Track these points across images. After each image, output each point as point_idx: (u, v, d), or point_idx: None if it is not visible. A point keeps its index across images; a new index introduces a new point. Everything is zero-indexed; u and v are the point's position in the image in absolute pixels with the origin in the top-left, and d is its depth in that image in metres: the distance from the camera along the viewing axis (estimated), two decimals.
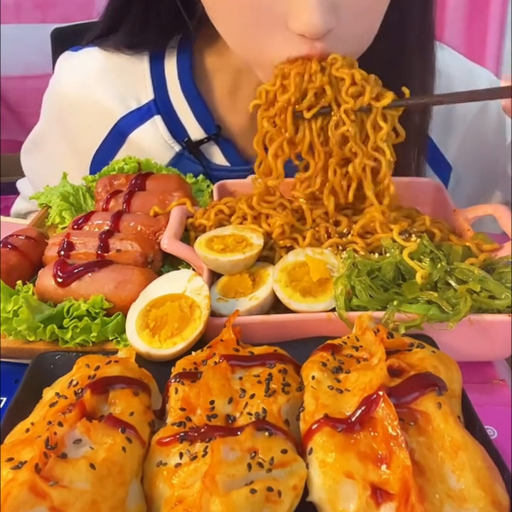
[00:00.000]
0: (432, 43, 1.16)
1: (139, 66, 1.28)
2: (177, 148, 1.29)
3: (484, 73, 1.39)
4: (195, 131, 1.28)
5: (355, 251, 0.91)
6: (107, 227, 1.02)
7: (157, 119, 1.28)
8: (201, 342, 0.79)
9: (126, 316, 0.85)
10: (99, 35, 1.28)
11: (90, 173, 1.27)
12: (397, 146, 0.96)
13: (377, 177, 0.95)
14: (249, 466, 0.57)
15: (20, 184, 1.55)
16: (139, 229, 1.01)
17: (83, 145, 1.34)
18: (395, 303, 0.82)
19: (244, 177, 1.14)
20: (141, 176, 1.17)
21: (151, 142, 1.29)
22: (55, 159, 1.40)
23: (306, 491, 0.58)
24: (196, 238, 0.95)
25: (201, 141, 1.28)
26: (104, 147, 1.31)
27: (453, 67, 1.30)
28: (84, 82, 1.30)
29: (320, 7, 0.84)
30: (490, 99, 0.99)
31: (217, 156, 1.31)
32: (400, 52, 1.11)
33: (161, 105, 1.28)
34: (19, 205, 1.54)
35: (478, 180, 1.42)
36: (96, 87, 1.29)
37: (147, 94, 1.28)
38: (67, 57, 1.35)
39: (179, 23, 1.20)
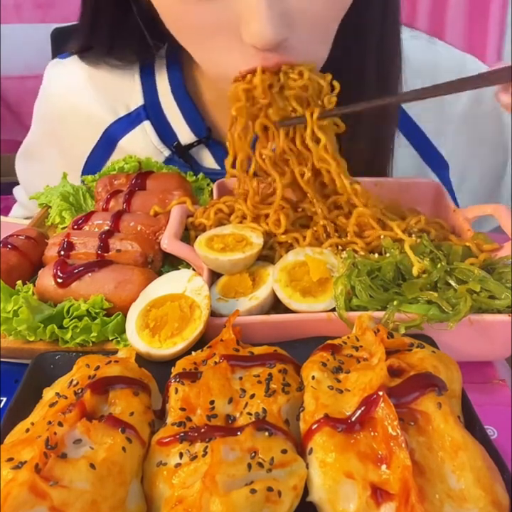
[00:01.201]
0: (396, 48, 1.09)
1: (128, 73, 1.27)
2: (166, 153, 1.29)
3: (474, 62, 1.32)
4: (185, 134, 1.28)
5: (354, 251, 0.91)
6: (107, 227, 1.01)
7: (146, 125, 1.28)
8: (201, 342, 0.79)
9: (126, 316, 0.85)
10: (80, 48, 1.26)
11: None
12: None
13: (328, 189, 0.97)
14: (249, 466, 0.57)
15: (17, 191, 1.55)
16: (139, 229, 1.01)
17: (74, 152, 1.34)
18: (395, 303, 0.82)
19: None
20: (142, 175, 1.16)
21: (140, 148, 1.28)
22: (47, 168, 1.40)
23: (306, 491, 0.58)
24: (196, 237, 0.95)
25: (191, 145, 1.28)
26: (95, 154, 1.32)
27: (445, 59, 1.27)
28: (72, 90, 1.30)
29: (269, 17, 0.81)
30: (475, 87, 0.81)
31: (208, 160, 1.30)
32: (359, 61, 1.06)
33: (150, 110, 1.27)
34: (17, 211, 1.55)
35: (485, 171, 1.38)
36: (83, 95, 1.29)
37: (136, 101, 1.28)
38: (54, 65, 1.34)
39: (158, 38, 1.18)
